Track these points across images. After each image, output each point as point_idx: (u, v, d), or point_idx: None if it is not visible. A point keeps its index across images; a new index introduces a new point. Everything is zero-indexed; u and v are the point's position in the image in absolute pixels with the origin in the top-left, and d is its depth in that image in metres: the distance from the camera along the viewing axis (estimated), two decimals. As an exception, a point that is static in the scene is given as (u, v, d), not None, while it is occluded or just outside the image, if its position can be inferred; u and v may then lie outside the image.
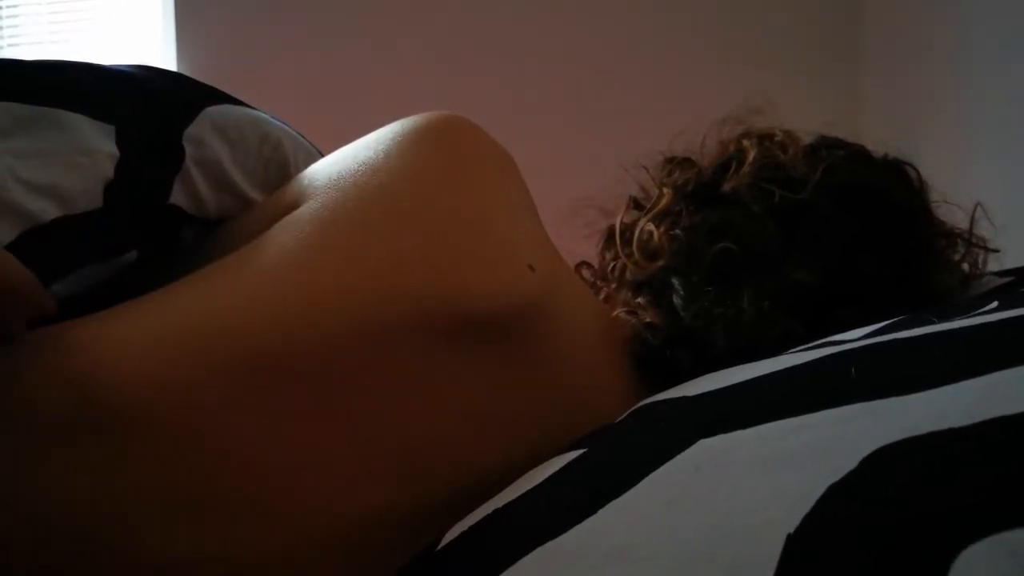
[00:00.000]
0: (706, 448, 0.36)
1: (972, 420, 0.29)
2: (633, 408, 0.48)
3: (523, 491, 0.43)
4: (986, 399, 0.30)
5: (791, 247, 0.60)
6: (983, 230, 0.68)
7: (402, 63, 2.18)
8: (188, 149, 0.57)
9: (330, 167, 0.54)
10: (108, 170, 0.52)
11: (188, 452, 0.44)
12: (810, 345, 0.46)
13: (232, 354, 0.45)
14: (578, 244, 0.72)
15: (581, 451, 0.44)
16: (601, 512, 0.36)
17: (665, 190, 0.66)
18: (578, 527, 0.36)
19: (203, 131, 0.58)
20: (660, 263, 0.61)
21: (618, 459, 0.41)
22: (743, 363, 0.46)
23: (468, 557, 0.41)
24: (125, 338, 0.46)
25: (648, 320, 0.58)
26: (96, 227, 0.52)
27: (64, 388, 0.44)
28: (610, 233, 0.69)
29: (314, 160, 0.62)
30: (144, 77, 0.60)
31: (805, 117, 0.69)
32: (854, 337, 0.44)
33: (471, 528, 0.43)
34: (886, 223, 0.64)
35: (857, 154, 0.68)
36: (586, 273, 0.72)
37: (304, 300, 0.47)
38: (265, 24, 2.27)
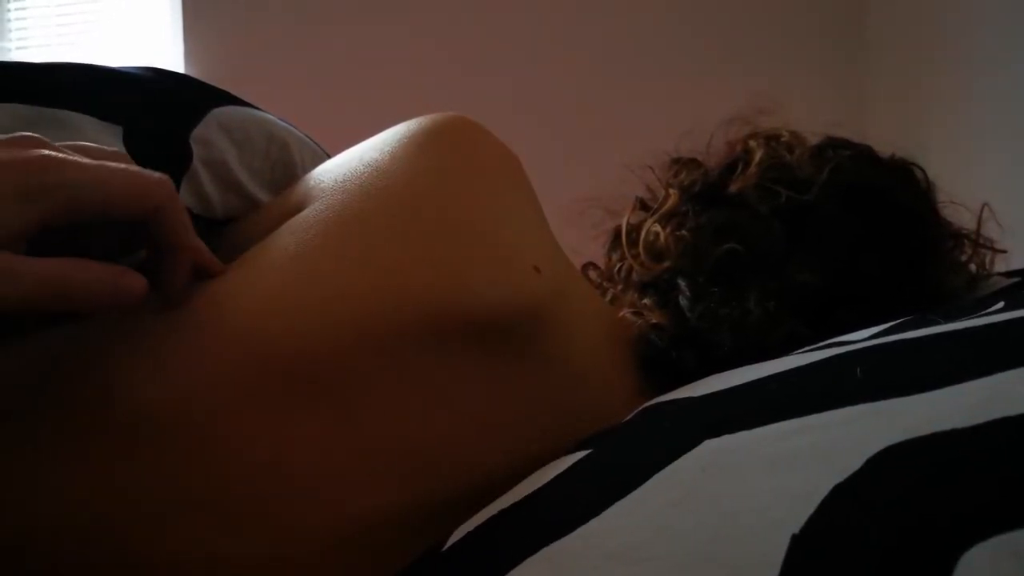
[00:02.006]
0: (711, 449, 0.36)
1: (976, 421, 0.29)
2: (639, 409, 0.48)
3: (529, 492, 0.43)
4: (990, 400, 0.30)
5: (797, 248, 0.60)
6: (990, 231, 0.68)
7: (409, 64, 2.19)
8: (196, 150, 0.57)
9: (336, 169, 0.54)
10: None
11: (193, 453, 0.44)
12: (816, 346, 0.46)
13: (238, 359, 0.46)
14: (585, 245, 0.72)
15: (587, 452, 0.44)
16: (606, 513, 0.36)
17: (671, 191, 0.66)
18: (582, 528, 0.36)
19: (210, 132, 0.58)
20: (666, 264, 0.61)
21: (623, 460, 0.41)
22: (749, 364, 0.46)
23: (473, 558, 0.41)
24: (132, 341, 0.46)
25: (654, 321, 0.58)
26: (104, 227, 0.52)
27: (71, 391, 0.44)
28: (616, 234, 0.69)
29: (320, 161, 0.63)
30: (151, 79, 0.60)
31: (811, 117, 0.69)
32: (860, 338, 0.44)
33: (476, 528, 0.43)
34: (892, 224, 0.64)
35: (864, 155, 0.68)
36: (592, 274, 0.72)
37: (310, 302, 0.47)
38: (272, 26, 2.28)
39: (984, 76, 1.68)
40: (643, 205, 0.70)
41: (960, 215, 0.68)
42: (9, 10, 2.63)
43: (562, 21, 2.18)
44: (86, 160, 0.41)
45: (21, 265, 0.38)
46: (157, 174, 0.43)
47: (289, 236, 0.50)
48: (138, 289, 0.42)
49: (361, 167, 0.53)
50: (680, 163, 0.70)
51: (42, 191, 0.39)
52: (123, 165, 0.42)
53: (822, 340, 0.48)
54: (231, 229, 0.61)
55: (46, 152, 0.40)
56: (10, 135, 0.41)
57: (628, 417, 0.48)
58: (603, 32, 2.17)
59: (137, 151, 0.53)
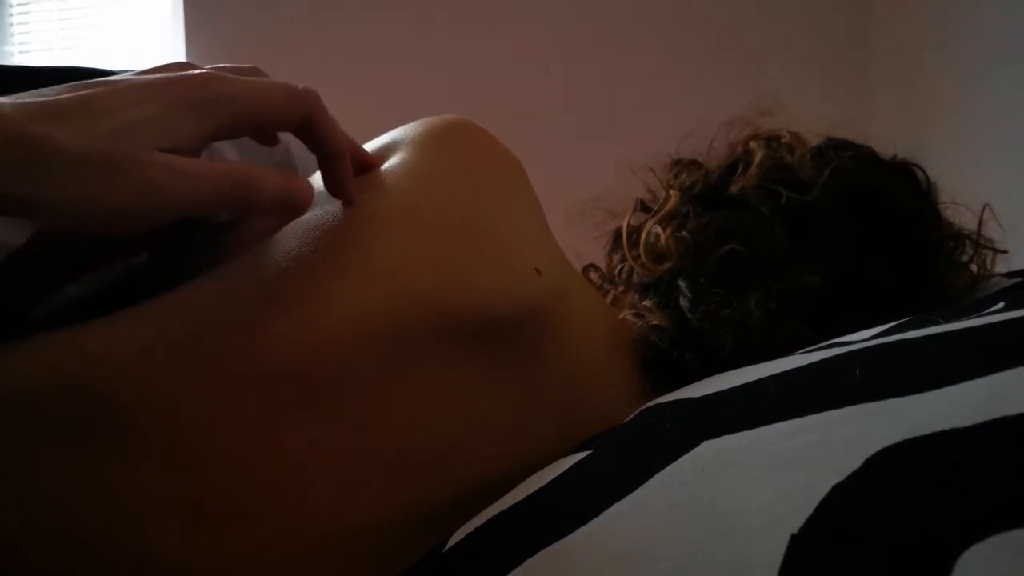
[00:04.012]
0: (711, 449, 0.37)
1: (975, 420, 0.29)
2: (639, 410, 0.48)
3: (529, 493, 0.43)
4: (990, 399, 0.30)
5: (798, 249, 0.60)
6: (991, 231, 0.68)
7: (409, 65, 2.19)
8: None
9: (336, 172, 0.54)
10: None
11: (193, 456, 0.44)
12: (815, 346, 0.46)
13: (239, 360, 0.46)
14: (586, 246, 0.72)
15: (587, 452, 0.44)
16: (606, 514, 0.36)
17: (672, 192, 0.66)
18: (582, 529, 0.36)
19: None
20: (667, 265, 0.61)
21: (623, 461, 0.41)
22: (750, 365, 0.46)
23: (473, 559, 0.41)
24: (135, 342, 0.46)
25: (655, 322, 0.58)
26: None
27: (72, 390, 0.44)
28: (617, 235, 0.69)
29: (322, 164, 0.62)
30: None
31: (815, 118, 0.69)
32: (860, 338, 0.44)
33: (477, 530, 0.43)
34: (893, 225, 0.64)
35: (865, 156, 0.68)
36: (594, 276, 0.72)
37: (311, 306, 0.47)
38: (273, 29, 2.28)
39: (986, 78, 1.68)
40: (643, 206, 0.70)
41: (961, 216, 0.68)
42: (11, 14, 2.63)
43: (563, 21, 2.18)
44: (241, 77, 0.44)
45: (203, 167, 0.42)
46: (303, 87, 0.47)
47: (291, 239, 0.50)
48: (307, 194, 0.46)
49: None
50: (680, 164, 0.70)
51: (210, 103, 0.42)
52: (274, 80, 0.46)
53: (824, 341, 0.48)
54: (233, 232, 0.61)
55: (206, 70, 0.44)
56: (163, 63, 0.45)
57: (628, 418, 0.48)
58: (606, 33, 2.17)
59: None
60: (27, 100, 0.40)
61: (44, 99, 0.40)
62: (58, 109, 0.40)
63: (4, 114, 0.38)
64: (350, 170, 0.49)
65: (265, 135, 0.48)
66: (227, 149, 0.59)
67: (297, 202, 0.46)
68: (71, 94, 0.41)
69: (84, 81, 0.42)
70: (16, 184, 0.38)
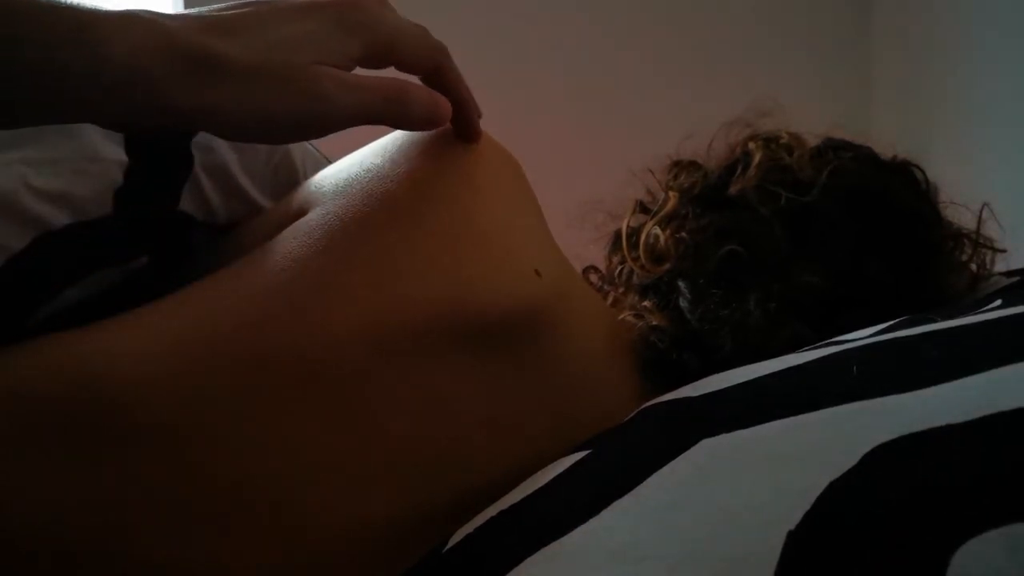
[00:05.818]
0: (708, 448, 0.37)
1: (970, 417, 0.29)
2: (638, 409, 0.48)
3: (528, 492, 0.43)
4: (984, 396, 0.30)
5: (798, 250, 0.60)
6: (991, 231, 0.68)
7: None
8: (197, 156, 0.57)
9: (337, 174, 0.54)
10: (118, 177, 0.53)
11: (192, 457, 0.44)
12: (813, 345, 0.46)
13: (241, 361, 0.46)
14: (587, 247, 0.72)
15: (586, 452, 0.44)
16: (604, 512, 0.36)
17: (671, 193, 0.66)
18: (581, 527, 0.36)
19: (211, 137, 0.58)
20: (666, 266, 0.61)
21: (622, 460, 0.41)
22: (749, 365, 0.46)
23: (473, 559, 0.41)
24: (135, 343, 0.46)
25: (655, 323, 0.58)
26: (107, 233, 0.53)
27: (73, 392, 0.44)
28: (617, 236, 0.69)
29: (321, 167, 0.63)
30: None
31: (815, 118, 0.69)
32: (857, 337, 0.44)
33: (477, 530, 0.43)
34: (893, 226, 0.64)
35: (864, 156, 0.68)
36: (594, 277, 0.72)
37: (312, 306, 0.47)
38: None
39: (986, 78, 1.68)
40: (643, 208, 0.70)
41: (961, 216, 0.68)
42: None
43: (565, 24, 2.18)
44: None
45: (363, 79, 0.44)
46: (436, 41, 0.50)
47: (291, 242, 0.50)
48: (448, 109, 0.49)
49: (362, 172, 0.53)
50: (679, 165, 0.70)
51: (362, 26, 0.45)
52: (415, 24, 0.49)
53: (823, 341, 0.48)
54: (233, 234, 0.61)
55: None
56: None
57: (627, 417, 0.48)
58: (606, 34, 2.17)
59: (139, 157, 0.54)
60: (189, 16, 0.40)
61: (207, 15, 0.41)
62: (223, 24, 0.41)
63: (173, 29, 0.39)
64: (475, 117, 0.53)
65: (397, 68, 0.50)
66: (225, 150, 0.59)
67: (443, 117, 0.49)
68: (231, 11, 0.42)
69: (238, 2, 0.44)
70: (190, 96, 0.39)
